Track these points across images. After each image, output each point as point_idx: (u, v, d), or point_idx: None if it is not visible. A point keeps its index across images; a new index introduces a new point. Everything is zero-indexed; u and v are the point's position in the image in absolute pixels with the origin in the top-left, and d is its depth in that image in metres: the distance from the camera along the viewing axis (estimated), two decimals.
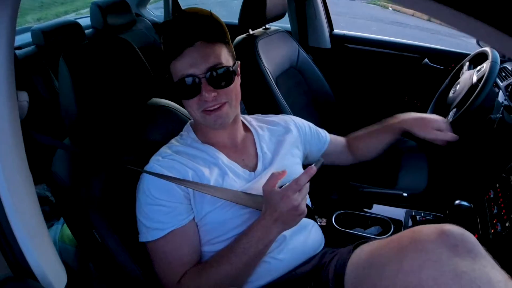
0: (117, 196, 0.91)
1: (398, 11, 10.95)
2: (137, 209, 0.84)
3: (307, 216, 0.93)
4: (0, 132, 0.56)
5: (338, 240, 1.21)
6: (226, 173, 0.87)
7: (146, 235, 0.83)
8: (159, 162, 0.85)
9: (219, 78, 0.82)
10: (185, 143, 0.93)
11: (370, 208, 1.42)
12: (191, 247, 0.83)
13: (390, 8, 11.68)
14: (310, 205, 1.02)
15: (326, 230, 1.13)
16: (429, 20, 9.54)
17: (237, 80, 0.89)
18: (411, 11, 10.41)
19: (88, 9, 2.27)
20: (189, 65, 0.81)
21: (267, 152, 0.96)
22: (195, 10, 0.85)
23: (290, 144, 1.02)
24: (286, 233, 0.86)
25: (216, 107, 0.84)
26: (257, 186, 0.87)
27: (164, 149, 0.90)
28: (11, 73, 0.56)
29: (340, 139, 1.21)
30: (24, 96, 1.17)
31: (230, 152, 0.92)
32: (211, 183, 0.84)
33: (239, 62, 0.91)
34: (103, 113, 0.94)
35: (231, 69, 0.84)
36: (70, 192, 0.88)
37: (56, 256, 0.66)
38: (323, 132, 1.15)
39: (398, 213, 1.32)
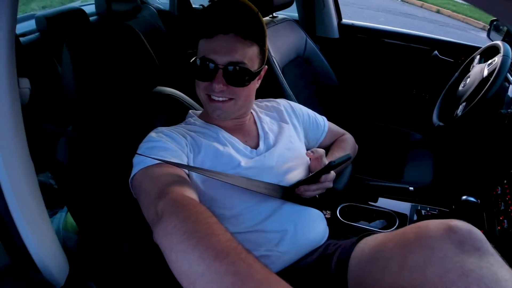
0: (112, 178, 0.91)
1: (407, 2, 10.78)
2: (136, 160, 0.79)
3: (312, 206, 0.94)
4: (1, 118, 0.55)
5: (342, 233, 1.20)
6: (226, 145, 0.89)
7: (137, 167, 0.75)
8: (161, 129, 0.87)
9: (235, 75, 0.83)
10: (188, 123, 0.96)
11: (375, 201, 1.41)
12: (184, 184, 0.70)
13: None
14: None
15: (330, 222, 1.12)
16: (437, 12, 9.38)
17: (255, 83, 0.90)
18: (419, 2, 10.23)
19: (79, 2, 2.26)
20: (214, 50, 0.81)
21: (268, 132, 0.97)
22: (244, 2, 0.84)
23: (292, 127, 1.04)
24: (289, 224, 0.86)
25: (220, 99, 0.85)
26: (259, 165, 0.88)
27: (166, 127, 0.92)
28: (12, 60, 0.55)
29: (339, 131, 1.20)
30: (25, 83, 1.18)
31: (233, 132, 0.94)
32: (210, 149, 0.85)
33: (266, 67, 0.91)
34: (105, 100, 0.93)
35: (251, 72, 0.84)
36: (72, 176, 0.88)
37: (58, 246, 0.66)
38: (322, 121, 1.14)
39: (403, 207, 1.31)
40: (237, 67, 0.82)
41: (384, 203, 1.38)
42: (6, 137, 0.56)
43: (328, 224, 1.00)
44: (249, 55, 0.83)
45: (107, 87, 0.93)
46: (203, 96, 0.88)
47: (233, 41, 0.81)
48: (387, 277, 0.64)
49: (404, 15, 8.31)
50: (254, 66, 0.85)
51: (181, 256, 0.49)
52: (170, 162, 0.75)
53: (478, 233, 0.62)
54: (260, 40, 0.86)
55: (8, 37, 0.53)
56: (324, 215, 1.29)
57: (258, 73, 0.88)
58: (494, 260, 0.58)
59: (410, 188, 1.35)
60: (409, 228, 0.68)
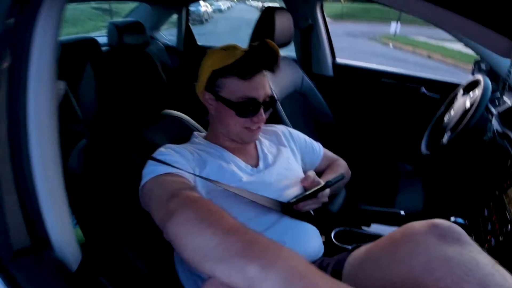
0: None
1: (399, 48, 11.33)
2: (146, 171, 0.85)
3: (309, 222, 0.99)
4: (40, 110, 0.64)
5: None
6: (229, 162, 0.96)
7: (147, 176, 0.81)
8: (169, 146, 0.94)
9: (270, 105, 0.99)
10: (193, 143, 1.04)
11: (368, 225, 1.46)
12: (193, 189, 0.77)
13: (390, 45, 12.11)
14: (311, 212, 1.07)
15: (325, 246, 1.16)
16: (428, 57, 9.83)
17: None
18: (411, 48, 10.74)
19: (97, 32, 2.40)
20: (254, 89, 0.93)
21: (267, 153, 1.06)
22: (271, 44, 0.96)
23: (290, 150, 1.12)
24: (287, 237, 0.90)
25: (257, 127, 0.98)
26: (259, 180, 0.96)
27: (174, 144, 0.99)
28: (54, 64, 0.65)
29: (333, 157, 1.29)
30: (61, 85, 1.30)
31: (235, 152, 1.02)
32: (214, 165, 0.93)
33: None
34: (119, 115, 1.02)
35: (275, 99, 0.99)
36: (85, 185, 0.94)
37: (73, 235, 0.71)
38: (317, 147, 1.24)
39: None
40: (269, 98, 0.97)
41: (377, 228, 1.42)
42: (45, 131, 0.64)
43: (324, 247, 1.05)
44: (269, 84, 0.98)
45: (123, 104, 1.02)
46: (239, 130, 0.98)
47: (264, 78, 0.96)
48: (378, 273, 0.69)
49: (397, 60, 8.69)
50: None
51: (194, 236, 0.55)
52: (180, 168, 0.81)
53: (457, 227, 0.68)
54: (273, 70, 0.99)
55: (53, 43, 0.63)
56: None
57: None
58: (473, 248, 0.64)
59: (401, 212, 1.40)
60: (397, 230, 0.74)
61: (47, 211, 0.65)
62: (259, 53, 0.94)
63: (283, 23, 1.64)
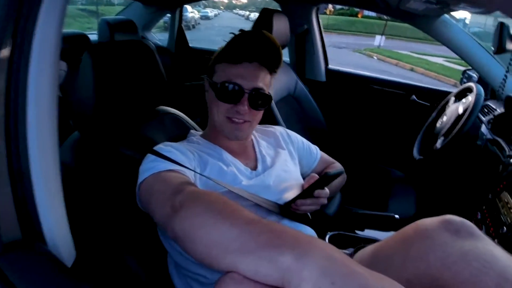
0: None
1: (382, 60, 11.63)
2: (144, 167, 0.81)
3: (306, 224, 0.98)
4: (41, 90, 0.60)
5: None
6: (229, 165, 0.93)
7: (147, 172, 0.77)
8: (169, 143, 0.90)
9: (258, 100, 0.91)
10: (191, 142, 0.99)
11: (362, 230, 1.46)
12: (196, 186, 0.73)
13: (375, 57, 12.41)
14: (309, 214, 1.05)
15: None
16: (411, 70, 10.13)
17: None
18: (394, 61, 11.04)
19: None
20: (240, 75, 0.88)
21: (265, 155, 1.03)
22: (270, 37, 0.93)
23: (288, 152, 1.10)
24: None
25: (240, 121, 0.92)
26: (259, 183, 0.93)
27: (174, 142, 0.95)
28: (58, 44, 0.61)
29: (329, 160, 1.28)
30: (63, 65, 1.24)
31: (234, 154, 0.98)
32: (215, 167, 0.89)
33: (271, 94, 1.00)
34: (116, 108, 0.98)
35: (269, 97, 0.93)
36: (76, 179, 0.89)
37: (68, 229, 0.66)
38: (315, 149, 1.22)
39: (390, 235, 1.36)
40: (260, 93, 0.90)
41: (371, 233, 1.42)
42: (45, 116, 0.60)
43: None
44: (266, 83, 0.92)
45: (121, 96, 0.98)
46: (221, 118, 0.93)
47: (257, 68, 0.90)
48: (390, 272, 0.67)
49: (380, 72, 8.89)
50: (267, 92, 0.94)
51: (211, 228, 0.49)
52: (182, 165, 0.77)
53: (469, 223, 0.68)
54: (275, 70, 0.95)
55: (59, 24, 0.60)
56: None
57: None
58: (488, 242, 0.65)
59: (396, 216, 1.40)
60: (407, 227, 0.74)
61: (42, 202, 0.60)
62: (251, 39, 0.91)
63: (280, 26, 1.64)
